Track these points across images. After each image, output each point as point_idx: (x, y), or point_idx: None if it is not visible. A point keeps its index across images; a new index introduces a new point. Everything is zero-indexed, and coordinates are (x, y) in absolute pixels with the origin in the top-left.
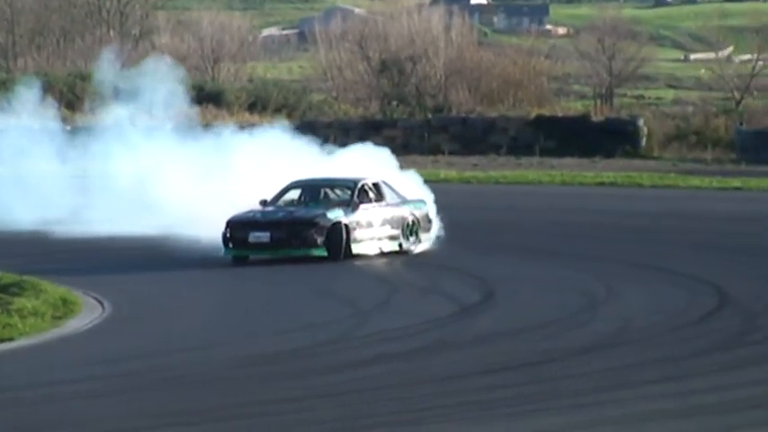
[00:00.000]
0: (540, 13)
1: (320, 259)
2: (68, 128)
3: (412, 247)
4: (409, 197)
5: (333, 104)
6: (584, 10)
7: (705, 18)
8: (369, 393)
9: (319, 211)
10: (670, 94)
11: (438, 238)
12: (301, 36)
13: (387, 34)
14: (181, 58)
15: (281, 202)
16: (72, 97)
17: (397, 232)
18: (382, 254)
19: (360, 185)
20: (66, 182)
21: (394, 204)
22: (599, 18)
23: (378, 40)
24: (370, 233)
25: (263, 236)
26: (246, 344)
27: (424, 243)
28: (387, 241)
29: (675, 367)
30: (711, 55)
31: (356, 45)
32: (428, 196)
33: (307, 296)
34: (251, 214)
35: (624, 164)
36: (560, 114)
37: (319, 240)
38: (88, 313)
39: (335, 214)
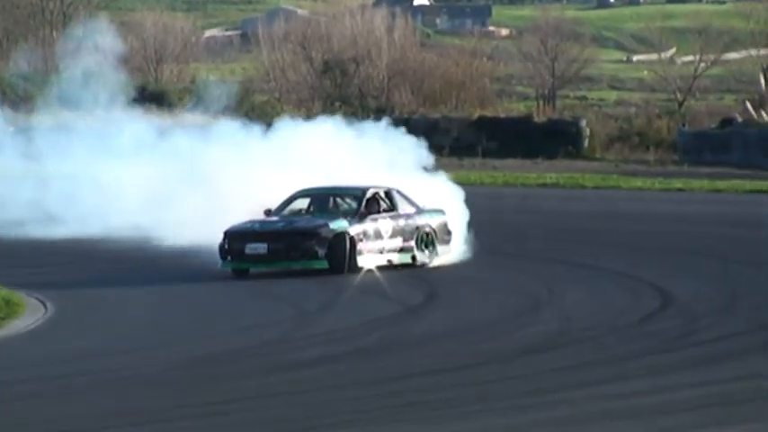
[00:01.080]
0: (482, 15)
1: (321, 272)
2: (12, 128)
3: (427, 260)
4: (426, 206)
5: (276, 105)
6: (526, 11)
7: (648, 19)
8: (315, 394)
9: (321, 221)
10: (613, 96)
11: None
12: (244, 37)
13: (330, 35)
14: (124, 60)
15: (286, 211)
16: (16, 98)
17: (410, 244)
18: (392, 267)
19: (369, 194)
20: (23, 182)
21: (407, 214)
22: (542, 19)
23: (321, 41)
24: (379, 245)
25: (261, 247)
26: (195, 345)
27: (443, 255)
28: (398, 253)
29: (617, 368)
30: (654, 56)
31: (299, 46)
32: (456, 197)
33: (254, 298)
34: (249, 224)
35: (567, 165)
36: (503, 115)
37: (320, 252)
38: (31, 315)
39: (339, 224)
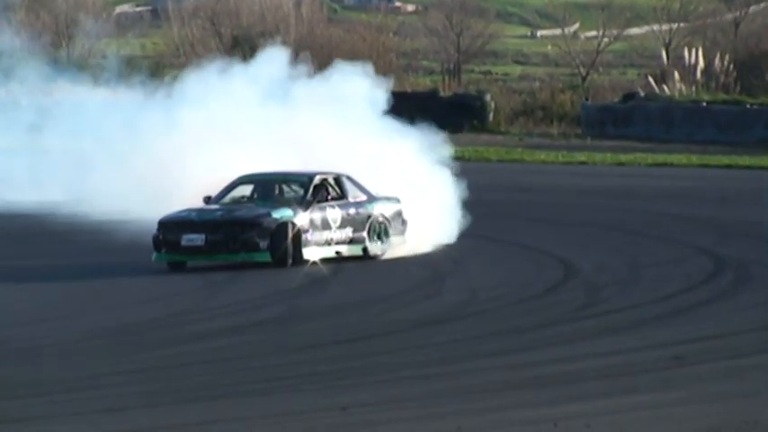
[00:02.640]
0: None
1: (261, 266)
2: None
3: (378, 251)
4: (380, 194)
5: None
6: None
7: None
8: (221, 364)
9: (263, 211)
10: (517, 70)
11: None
12: (154, 13)
13: (238, 10)
14: (36, 35)
15: (228, 199)
16: None
17: (361, 235)
18: (341, 259)
19: (316, 181)
20: None
21: (358, 202)
22: None
23: (230, 15)
24: (326, 236)
25: (198, 238)
26: (102, 315)
27: (397, 246)
28: (347, 245)
29: (521, 338)
30: (558, 31)
31: (208, 21)
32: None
33: (161, 269)
34: (185, 213)
35: (472, 138)
36: (409, 90)
37: (262, 244)
38: None
39: (282, 214)
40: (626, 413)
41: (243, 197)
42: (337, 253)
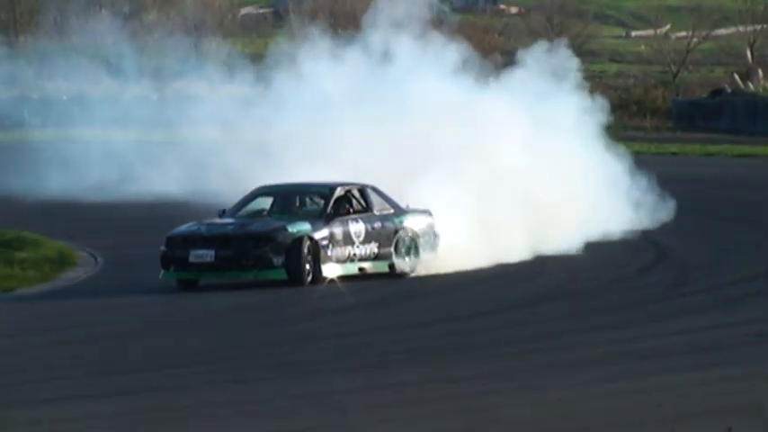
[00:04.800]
0: None
1: (280, 283)
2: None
3: (407, 268)
4: (410, 207)
5: None
6: None
7: None
8: (336, 339)
9: (279, 224)
10: (613, 68)
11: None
12: (276, 14)
13: (355, 11)
14: (167, 34)
15: (244, 212)
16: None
17: (387, 250)
18: (366, 276)
19: (338, 192)
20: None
21: (385, 216)
22: None
23: (347, 16)
24: (349, 251)
25: (207, 254)
26: (222, 295)
27: (428, 263)
28: (372, 261)
29: (615, 316)
30: (651, 32)
31: (326, 22)
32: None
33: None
34: (195, 227)
35: None
36: None
37: (276, 260)
38: (83, 267)
39: (299, 228)
40: (713, 385)
41: (262, 210)
42: (361, 270)
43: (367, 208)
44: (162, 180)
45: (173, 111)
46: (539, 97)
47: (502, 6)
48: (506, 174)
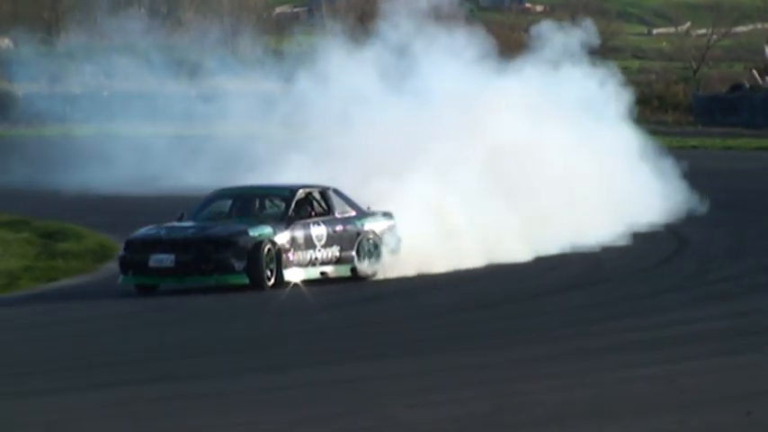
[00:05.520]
0: None
1: (242, 288)
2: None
3: (369, 272)
4: (371, 209)
5: None
6: None
7: None
8: (366, 328)
9: (240, 228)
10: (635, 64)
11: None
12: (310, 13)
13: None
14: (203, 32)
15: (204, 215)
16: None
17: (349, 254)
18: (328, 280)
19: (299, 195)
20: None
21: (346, 218)
22: None
23: (377, 15)
24: (310, 255)
25: (167, 259)
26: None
27: (391, 266)
28: (334, 265)
29: (638, 304)
30: (672, 29)
31: (357, 21)
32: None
33: None
34: (154, 231)
35: None
36: None
37: (237, 265)
38: None
39: (260, 231)
40: (732, 371)
41: (222, 213)
42: (322, 274)
43: (328, 211)
44: (197, 174)
45: (209, 106)
46: (566, 81)
47: (527, 5)
48: (540, 165)
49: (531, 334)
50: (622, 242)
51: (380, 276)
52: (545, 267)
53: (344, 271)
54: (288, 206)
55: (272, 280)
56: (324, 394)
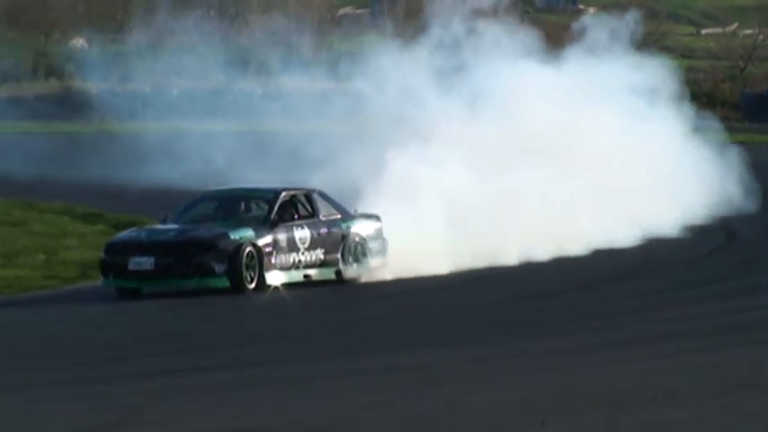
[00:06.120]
0: None
1: (223, 291)
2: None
3: (354, 275)
4: (357, 211)
5: None
6: None
7: None
8: (426, 317)
9: (221, 230)
10: (685, 63)
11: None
12: (372, 14)
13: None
14: (271, 33)
15: (187, 218)
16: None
17: (334, 257)
18: (311, 284)
19: (282, 197)
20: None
21: (331, 221)
22: None
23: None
24: (293, 258)
25: (146, 262)
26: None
27: (376, 269)
28: (318, 268)
29: (688, 293)
30: (720, 30)
31: (413, 21)
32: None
33: None
34: (135, 233)
35: None
36: None
37: (218, 268)
38: None
39: (242, 234)
40: None
41: (205, 215)
42: (306, 277)
43: (313, 213)
44: (262, 169)
45: (274, 104)
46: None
47: (581, 6)
48: (601, 159)
49: (584, 323)
50: (677, 232)
51: (388, 277)
52: (593, 260)
53: (329, 274)
54: (271, 209)
55: (254, 283)
56: (388, 380)
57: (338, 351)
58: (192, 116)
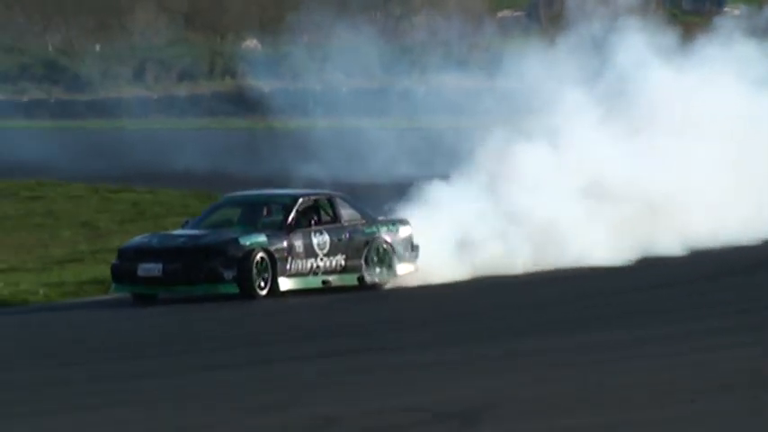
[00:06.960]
0: None
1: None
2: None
3: (377, 280)
4: (385, 216)
5: None
6: None
7: None
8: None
9: (231, 236)
10: None
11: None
12: (529, 17)
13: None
14: (433, 33)
15: (207, 223)
16: None
17: (356, 262)
18: (331, 290)
19: (300, 203)
20: None
21: (354, 226)
22: None
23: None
24: (311, 264)
25: (155, 268)
26: None
27: (404, 275)
28: (339, 274)
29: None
30: None
31: (561, 23)
32: None
33: None
34: (146, 239)
35: None
36: None
37: (227, 274)
38: None
39: (253, 240)
40: None
41: (227, 220)
42: (325, 283)
43: (335, 218)
44: (423, 165)
45: (435, 102)
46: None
47: (726, 9)
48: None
49: (632, 317)
50: None
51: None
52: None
53: (351, 280)
54: (287, 214)
55: (266, 289)
56: (545, 361)
57: (459, 338)
58: (360, 114)
